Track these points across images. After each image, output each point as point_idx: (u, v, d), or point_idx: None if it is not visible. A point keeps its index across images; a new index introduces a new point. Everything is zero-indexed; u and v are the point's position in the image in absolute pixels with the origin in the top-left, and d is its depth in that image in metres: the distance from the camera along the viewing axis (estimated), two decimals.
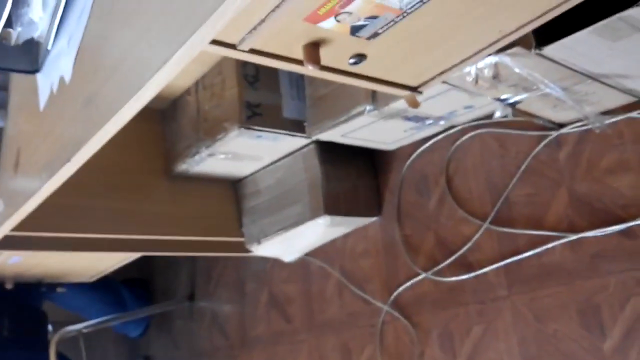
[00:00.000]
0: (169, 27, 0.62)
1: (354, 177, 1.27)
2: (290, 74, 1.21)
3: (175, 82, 1.27)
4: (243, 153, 1.26)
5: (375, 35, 0.69)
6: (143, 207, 1.32)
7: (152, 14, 0.64)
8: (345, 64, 0.75)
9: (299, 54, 0.70)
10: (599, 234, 0.95)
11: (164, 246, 1.37)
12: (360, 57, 0.74)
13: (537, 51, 0.76)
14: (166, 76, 0.64)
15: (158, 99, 1.08)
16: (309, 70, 0.71)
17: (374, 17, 0.66)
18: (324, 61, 0.71)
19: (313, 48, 0.71)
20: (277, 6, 0.62)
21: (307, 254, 1.42)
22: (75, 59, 0.75)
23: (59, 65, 0.77)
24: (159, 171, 1.34)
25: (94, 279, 1.70)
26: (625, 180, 0.93)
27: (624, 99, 0.91)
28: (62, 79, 0.78)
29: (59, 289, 1.66)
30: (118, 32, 0.69)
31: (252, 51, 0.69)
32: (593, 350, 0.93)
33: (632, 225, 0.91)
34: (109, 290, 1.89)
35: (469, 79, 0.85)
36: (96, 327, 1.76)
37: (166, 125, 1.35)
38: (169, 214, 1.34)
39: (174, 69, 0.63)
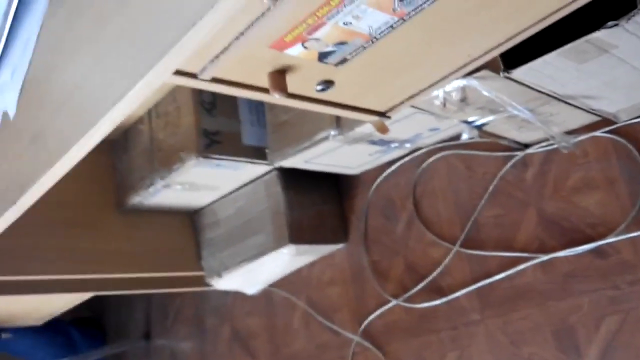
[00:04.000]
0: (126, 58, 0.57)
1: (319, 203, 1.24)
2: (250, 99, 1.17)
3: None
4: (201, 183, 1.21)
5: (343, 61, 0.67)
6: (94, 244, 1.24)
7: (106, 43, 0.59)
8: (312, 91, 0.72)
9: (264, 82, 0.67)
10: (570, 254, 0.94)
11: (118, 285, 1.29)
12: (328, 84, 0.71)
13: (506, 74, 0.75)
14: (122, 111, 0.59)
15: None
16: (276, 98, 0.68)
17: (343, 43, 0.63)
18: (291, 88, 0.68)
19: (279, 75, 0.68)
20: (242, 33, 0.58)
21: (270, 285, 1.37)
22: (21, 92, 0.69)
23: (2, 100, 0.70)
24: (110, 205, 1.27)
25: (43, 321, 1.59)
26: (592, 198, 0.94)
27: (588, 119, 0.92)
28: (5, 114, 0.71)
29: (4, 335, 1.54)
30: (68, 63, 0.64)
31: (214, 80, 0.65)
32: None
33: (602, 244, 0.91)
34: (58, 331, 1.77)
35: (437, 102, 0.84)
36: None
37: (117, 156, 1.28)
38: (122, 250, 1.27)
39: (130, 104, 0.58)
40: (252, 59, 0.63)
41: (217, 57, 0.61)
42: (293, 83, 0.68)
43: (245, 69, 0.64)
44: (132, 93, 0.57)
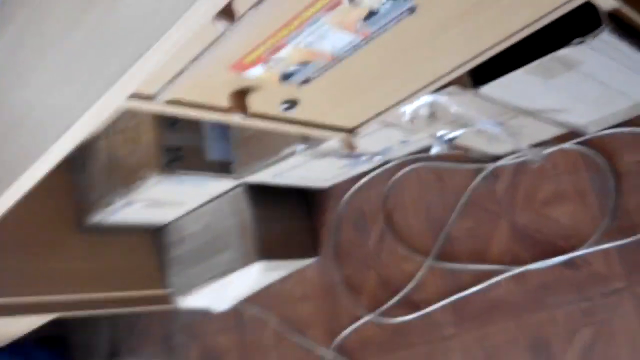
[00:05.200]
0: (76, 85, 0.53)
1: (288, 217, 1.21)
2: None
3: None
4: (164, 199, 1.16)
5: (307, 81, 0.64)
6: (55, 264, 1.19)
7: (55, 69, 0.55)
8: (276, 110, 0.69)
9: (225, 103, 0.64)
10: (542, 266, 0.93)
11: (81, 305, 1.24)
12: (292, 103, 0.68)
13: (474, 90, 0.74)
14: (74, 138, 0.56)
15: None
16: (237, 119, 0.65)
17: (306, 63, 0.61)
18: (254, 107, 0.65)
19: (240, 96, 0.65)
20: (199, 55, 0.55)
21: (240, 302, 1.33)
22: None
23: None
24: (70, 224, 1.21)
25: (4, 344, 1.52)
26: (563, 210, 0.93)
27: (557, 131, 0.91)
28: None
29: None
30: (17, 88, 0.59)
31: (172, 102, 0.62)
32: None
33: (574, 256, 0.91)
34: (20, 353, 1.70)
35: (405, 118, 0.82)
36: None
37: (75, 173, 1.22)
38: (83, 270, 1.22)
39: (82, 131, 0.55)
40: (210, 81, 0.60)
41: (173, 79, 0.57)
42: (256, 103, 0.65)
43: (204, 91, 0.61)
44: (83, 120, 0.54)
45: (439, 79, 0.69)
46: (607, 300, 0.88)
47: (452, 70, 0.67)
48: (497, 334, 0.98)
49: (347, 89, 0.68)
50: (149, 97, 0.59)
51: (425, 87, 0.70)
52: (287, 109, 0.69)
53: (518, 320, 0.96)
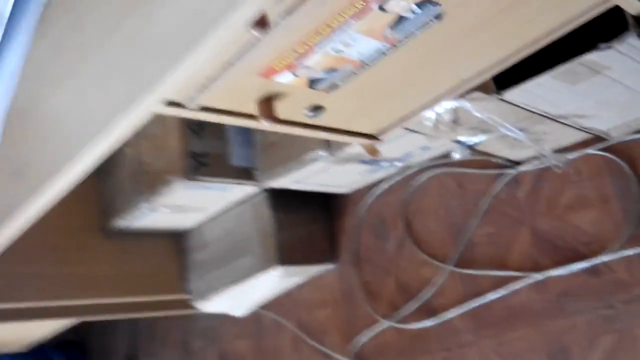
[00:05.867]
0: (110, 91, 0.55)
1: (308, 223, 1.22)
2: None
3: None
4: (188, 205, 1.18)
5: (334, 87, 0.66)
6: (80, 269, 1.21)
7: (90, 76, 0.57)
8: (302, 116, 0.71)
9: (252, 109, 0.65)
10: (564, 273, 0.93)
11: (103, 310, 1.26)
12: (318, 109, 0.70)
13: (498, 96, 0.74)
14: (107, 145, 0.57)
15: None
16: (264, 125, 0.67)
17: (333, 70, 0.62)
18: (280, 114, 0.67)
19: (268, 102, 0.66)
20: (230, 63, 0.56)
21: (259, 307, 1.34)
22: (4, 125, 0.66)
23: None
24: (95, 229, 1.23)
25: (28, 348, 1.55)
26: (586, 216, 0.93)
27: (580, 136, 0.91)
28: None
29: None
30: (52, 96, 0.61)
31: (203, 109, 0.63)
32: None
33: (596, 263, 0.90)
34: (40, 356, 1.72)
35: (428, 123, 0.83)
36: None
37: (102, 179, 1.24)
38: (106, 275, 1.24)
39: (116, 137, 0.57)
40: (241, 87, 0.61)
41: (205, 86, 0.59)
42: (283, 109, 0.66)
43: (233, 97, 0.63)
44: (117, 127, 0.55)
45: (463, 84, 0.69)
46: (629, 307, 0.87)
47: (477, 76, 0.68)
48: (516, 341, 0.98)
49: (372, 95, 0.69)
50: (181, 104, 0.61)
51: (449, 92, 0.71)
52: (313, 115, 0.70)
53: (538, 327, 0.95)
